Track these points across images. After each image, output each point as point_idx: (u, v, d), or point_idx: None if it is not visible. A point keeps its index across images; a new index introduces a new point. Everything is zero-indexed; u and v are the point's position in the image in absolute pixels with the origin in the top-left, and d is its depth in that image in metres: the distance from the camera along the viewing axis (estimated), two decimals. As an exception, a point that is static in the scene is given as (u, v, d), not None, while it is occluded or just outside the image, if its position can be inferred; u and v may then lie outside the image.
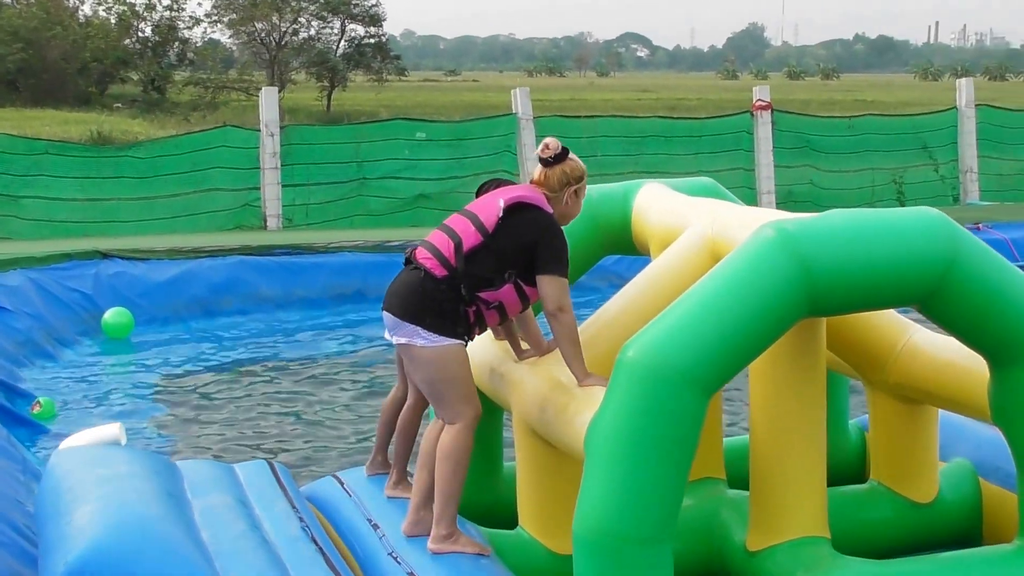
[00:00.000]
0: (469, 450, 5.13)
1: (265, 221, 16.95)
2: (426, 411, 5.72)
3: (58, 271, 12.94)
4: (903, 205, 19.94)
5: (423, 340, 5.01)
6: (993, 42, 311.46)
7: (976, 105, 20.56)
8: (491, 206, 5.14)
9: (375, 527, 5.54)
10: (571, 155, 5.29)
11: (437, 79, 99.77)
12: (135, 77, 49.33)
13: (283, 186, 17.05)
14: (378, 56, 52.47)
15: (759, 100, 19.43)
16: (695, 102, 65.18)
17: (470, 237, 5.08)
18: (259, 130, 17.09)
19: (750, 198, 19.25)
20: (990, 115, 20.83)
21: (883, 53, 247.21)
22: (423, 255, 5.10)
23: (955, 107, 20.61)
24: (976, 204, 19.94)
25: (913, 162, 20.26)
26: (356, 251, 14.13)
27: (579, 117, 19.44)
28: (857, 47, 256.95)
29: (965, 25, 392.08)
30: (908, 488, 6.03)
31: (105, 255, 13.42)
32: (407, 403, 5.77)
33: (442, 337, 5.02)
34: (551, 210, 5.17)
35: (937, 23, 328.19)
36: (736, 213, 5.74)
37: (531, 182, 5.27)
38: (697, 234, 5.75)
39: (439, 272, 5.03)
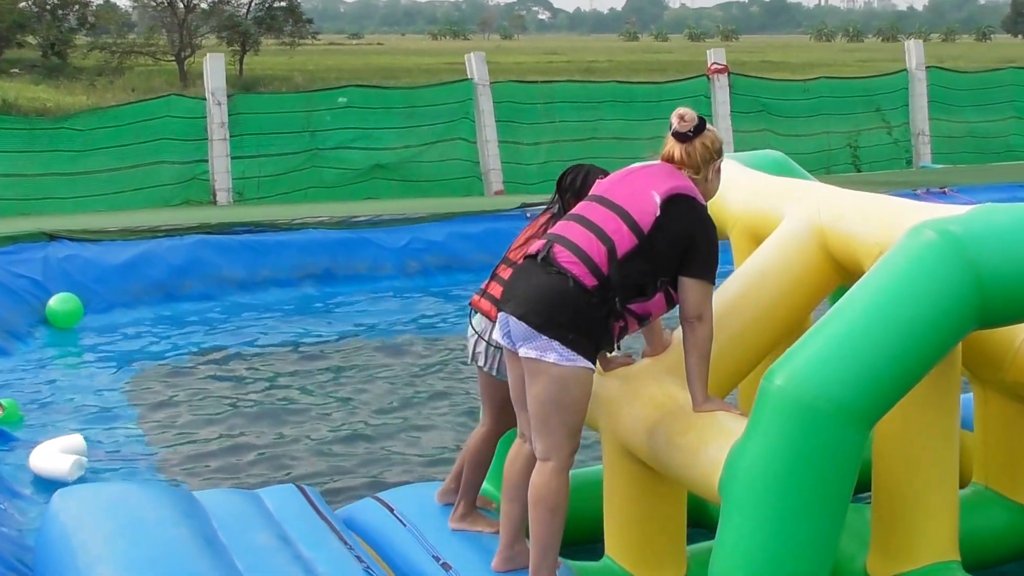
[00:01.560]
0: (567, 492, 4.55)
1: (215, 195, 16.08)
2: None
3: (2, 255, 11.97)
4: (858, 169, 19.70)
5: (556, 356, 4.39)
6: (880, 4, 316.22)
7: (927, 67, 20.35)
8: (643, 199, 4.47)
9: (445, 567, 4.93)
10: (708, 124, 4.68)
11: (341, 43, 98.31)
12: (33, 41, 47.52)
13: (232, 158, 16.19)
14: (290, 20, 51.20)
15: (715, 63, 18.99)
16: (606, 64, 65.08)
17: (624, 239, 4.42)
18: (205, 99, 16.20)
19: (707, 163, 18.85)
20: (939, 77, 20.63)
21: (777, 15, 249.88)
22: (567, 258, 4.43)
23: (906, 69, 20.37)
24: (930, 167, 19.73)
25: (867, 125, 20.00)
26: (322, 227, 13.39)
27: (536, 83, 18.80)
28: (753, 9, 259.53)
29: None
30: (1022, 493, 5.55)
31: (52, 237, 12.45)
32: (484, 428, 5.24)
33: (579, 356, 4.41)
34: (704, 201, 4.58)
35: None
36: (844, 199, 5.18)
37: (666, 160, 4.62)
38: (802, 224, 5.18)
39: (589, 281, 4.39)
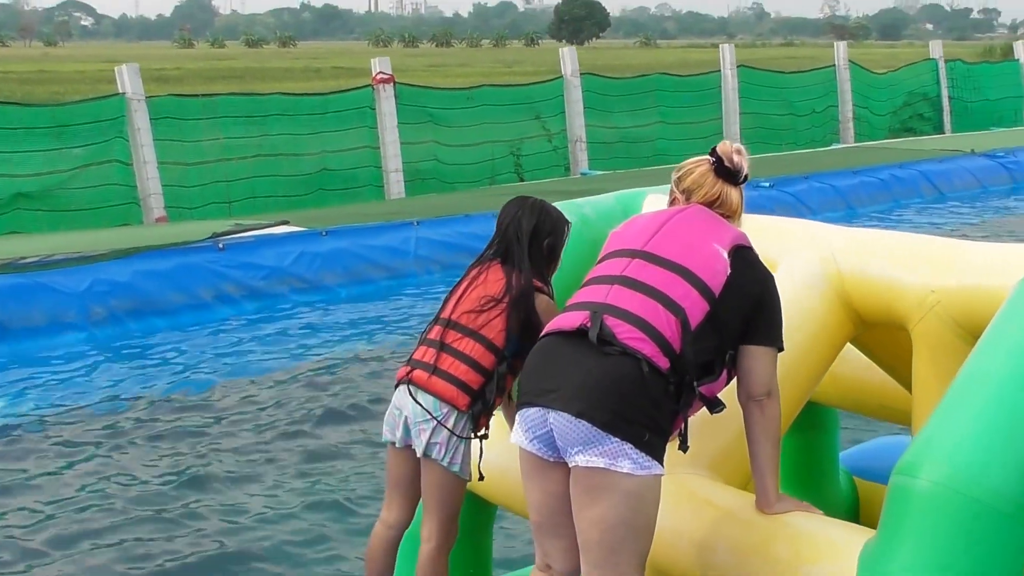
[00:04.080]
0: None
1: None
2: None
3: None
4: (522, 178, 19.27)
5: (631, 464, 3.44)
6: (428, 11, 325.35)
7: (581, 73, 20.21)
8: (707, 255, 3.64)
9: None
10: None
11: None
12: None
13: None
14: None
15: (380, 73, 17.93)
16: (175, 72, 62.33)
17: (696, 307, 3.57)
18: None
19: (377, 178, 17.82)
20: (594, 83, 20.56)
21: (330, 21, 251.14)
22: (631, 334, 3.49)
23: (562, 76, 20.14)
24: (590, 174, 19.62)
25: (529, 133, 19.60)
26: (-14, 273, 11.26)
27: (197, 96, 16.97)
28: (305, 15, 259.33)
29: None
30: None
31: None
32: (429, 545, 4.35)
33: (654, 462, 3.49)
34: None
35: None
36: (862, 239, 4.42)
37: (710, 204, 3.80)
38: (813, 271, 4.36)
39: (662, 363, 3.48)
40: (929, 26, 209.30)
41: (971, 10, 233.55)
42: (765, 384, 3.68)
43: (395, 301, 12.65)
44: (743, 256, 3.69)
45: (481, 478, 4.32)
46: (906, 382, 4.74)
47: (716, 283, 3.59)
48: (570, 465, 3.50)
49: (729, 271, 3.61)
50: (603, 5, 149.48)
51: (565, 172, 19.96)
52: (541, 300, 4.26)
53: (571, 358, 3.53)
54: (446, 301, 4.37)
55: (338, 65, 68.11)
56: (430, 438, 4.21)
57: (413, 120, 18.15)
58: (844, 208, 17.43)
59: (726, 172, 3.81)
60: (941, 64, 24.86)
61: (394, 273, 13.35)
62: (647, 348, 3.47)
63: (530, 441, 3.58)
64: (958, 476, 3.26)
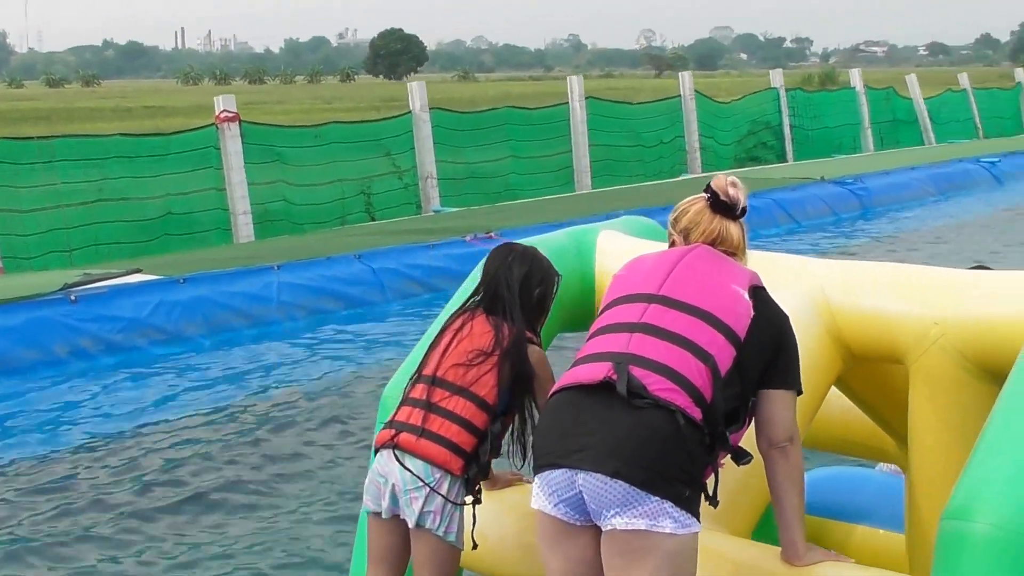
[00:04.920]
0: None
1: None
2: None
3: None
4: (373, 218, 18.64)
5: (672, 524, 3.28)
6: (237, 47, 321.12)
7: (431, 108, 19.67)
8: (729, 298, 3.49)
9: None
10: None
11: None
12: None
13: None
14: None
15: (224, 111, 17.06)
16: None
17: (724, 354, 3.41)
18: None
19: (224, 220, 16.94)
20: (442, 118, 20.03)
21: (135, 58, 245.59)
22: (662, 385, 3.32)
23: (411, 111, 19.57)
24: (443, 211, 19.07)
25: (378, 171, 18.95)
26: None
27: (30, 139, 15.82)
28: (108, 53, 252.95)
29: (210, 31, 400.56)
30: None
31: None
32: None
33: (693, 519, 3.34)
34: None
35: (183, 29, 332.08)
36: (851, 272, 4.30)
37: (712, 242, 3.66)
38: (801, 305, 4.14)
39: (696, 414, 3.33)
40: (744, 55, 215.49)
41: (784, 39, 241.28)
42: (788, 429, 3.54)
43: (260, 349, 11.87)
44: (762, 297, 3.56)
45: (475, 547, 4.02)
46: (884, 417, 4.65)
47: (741, 326, 3.45)
48: (605, 529, 3.33)
49: (752, 313, 3.48)
50: (420, 39, 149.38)
51: (417, 210, 19.39)
52: (533, 351, 4.03)
53: (598, 414, 3.34)
54: (427, 356, 4.07)
55: (149, 104, 66.14)
56: (423, 507, 3.89)
57: (260, 160, 17.32)
58: (705, 239, 17.27)
59: (723, 207, 3.66)
60: (782, 93, 25.14)
61: (257, 320, 12.58)
62: (680, 399, 3.31)
63: (555, 505, 3.38)
64: (1015, 517, 3.18)
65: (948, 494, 3.77)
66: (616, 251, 4.74)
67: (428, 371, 3.99)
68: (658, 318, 3.45)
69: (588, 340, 3.58)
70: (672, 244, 3.78)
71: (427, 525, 3.89)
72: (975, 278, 4.10)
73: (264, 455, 8.53)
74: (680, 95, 23.01)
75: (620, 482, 3.26)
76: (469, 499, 3.97)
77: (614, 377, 3.34)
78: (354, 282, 13.60)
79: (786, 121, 25.24)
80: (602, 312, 3.63)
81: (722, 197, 3.67)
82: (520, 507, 4.06)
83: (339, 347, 11.99)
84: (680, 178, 22.40)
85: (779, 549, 3.67)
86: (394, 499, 3.93)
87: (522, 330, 4.00)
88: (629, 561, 3.30)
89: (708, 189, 3.72)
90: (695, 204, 3.74)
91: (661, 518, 3.26)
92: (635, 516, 3.26)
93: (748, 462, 3.54)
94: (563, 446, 3.37)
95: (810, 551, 3.61)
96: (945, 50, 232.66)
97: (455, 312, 4.15)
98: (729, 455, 3.50)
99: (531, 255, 4.15)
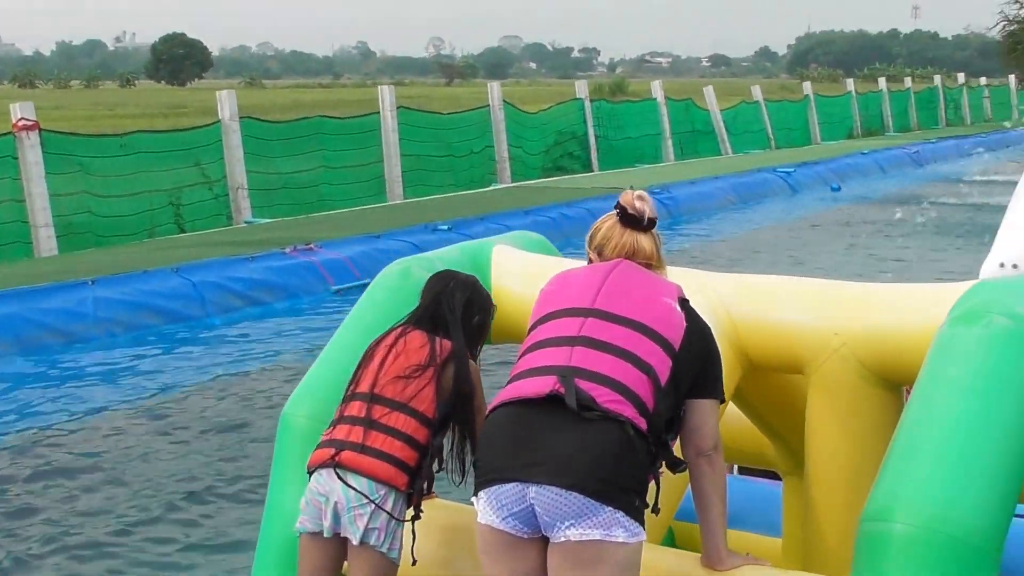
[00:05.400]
0: None
1: None
2: None
3: None
4: (183, 230, 18.13)
5: (625, 533, 3.33)
6: (4, 49, 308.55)
7: (240, 118, 19.22)
8: (662, 310, 3.54)
9: None
10: None
11: None
12: None
13: None
14: None
15: (23, 119, 16.30)
16: None
17: (662, 363, 3.47)
18: None
19: (24, 234, 16.19)
20: (252, 128, 19.60)
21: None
22: (609, 396, 3.36)
23: (220, 120, 19.08)
24: (255, 222, 18.67)
25: (188, 181, 18.42)
26: None
27: None
28: None
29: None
30: None
31: None
32: None
33: (640, 527, 3.39)
34: None
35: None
36: (750, 285, 4.39)
37: (629, 256, 3.69)
38: (705, 319, 4.02)
39: (641, 424, 3.38)
40: (533, 64, 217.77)
41: (572, 49, 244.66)
42: (713, 438, 3.61)
43: (73, 368, 11.35)
44: (689, 309, 3.63)
45: (414, 562, 3.97)
46: (772, 425, 4.80)
47: (676, 337, 3.51)
48: (556, 540, 3.35)
49: (685, 324, 3.54)
50: (204, 44, 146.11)
51: (228, 221, 18.96)
52: (473, 368, 4.03)
53: (547, 427, 3.36)
54: (360, 374, 3.99)
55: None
56: (368, 524, 3.84)
57: (62, 170, 16.62)
58: (521, 249, 17.36)
59: (631, 220, 3.71)
60: (587, 104, 25.46)
61: (73, 337, 12.05)
62: (627, 410, 3.36)
63: (503, 519, 3.39)
64: (933, 516, 3.29)
65: (847, 497, 4.08)
66: (510, 266, 4.76)
67: (364, 388, 3.94)
68: (597, 331, 3.48)
69: (523, 355, 3.59)
70: (590, 262, 3.81)
71: (371, 542, 3.85)
72: (872, 291, 4.22)
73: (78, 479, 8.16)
74: (489, 105, 23.07)
75: (575, 494, 3.29)
76: (410, 514, 3.95)
77: (561, 391, 3.37)
78: (173, 296, 13.18)
79: (591, 132, 25.59)
80: (534, 328, 3.63)
81: (629, 211, 3.71)
82: (456, 522, 4.09)
83: (163, 361, 11.58)
84: (491, 188, 22.47)
85: (698, 556, 3.75)
86: (336, 518, 3.87)
87: (463, 344, 4.00)
88: (582, 571, 3.33)
89: (617, 205, 3.75)
90: (607, 221, 3.78)
91: (614, 528, 3.31)
92: (589, 527, 3.31)
93: (683, 470, 3.60)
94: (513, 461, 3.38)
95: (730, 556, 3.70)
96: (727, 61, 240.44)
97: (386, 333, 4.09)
98: (665, 464, 3.54)
99: (472, 283, 4.14)
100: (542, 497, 3.33)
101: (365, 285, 4.74)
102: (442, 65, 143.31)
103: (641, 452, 3.37)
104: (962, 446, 3.41)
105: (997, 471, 3.37)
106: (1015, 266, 11.86)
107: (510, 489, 3.37)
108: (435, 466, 3.96)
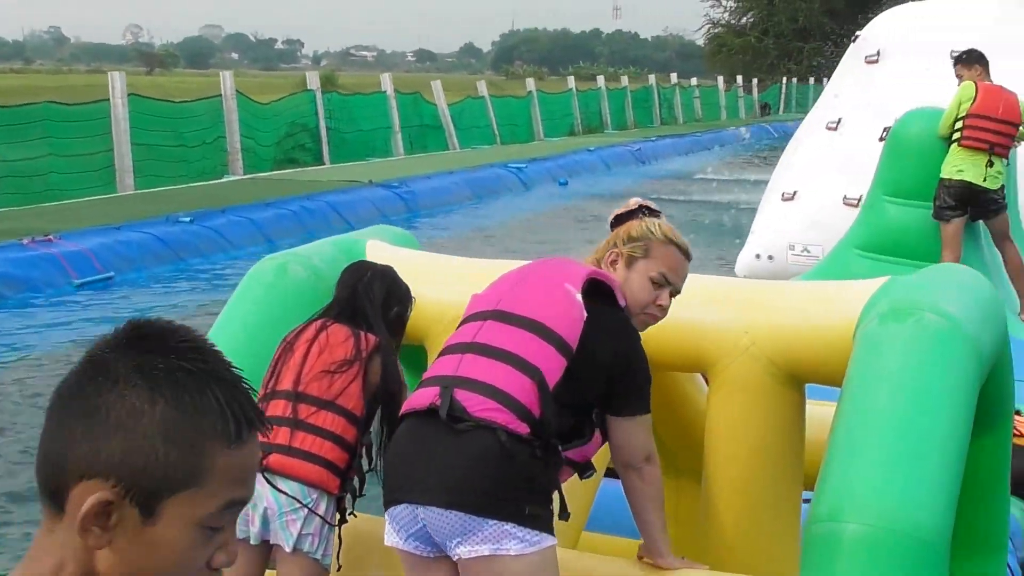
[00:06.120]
0: None
1: None
2: None
3: None
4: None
5: (518, 544, 3.20)
6: None
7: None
8: (560, 301, 3.40)
9: None
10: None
11: None
12: None
13: None
14: None
15: None
16: None
17: (552, 363, 3.32)
18: None
19: None
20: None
21: None
22: (483, 405, 3.24)
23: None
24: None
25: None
26: None
27: None
28: None
29: None
30: None
31: None
32: None
33: (543, 534, 3.26)
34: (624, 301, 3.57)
35: None
36: None
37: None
38: None
39: (522, 429, 3.24)
40: (235, 55, 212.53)
41: (276, 40, 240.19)
42: (641, 450, 3.50)
43: None
44: (601, 309, 3.44)
45: (339, 568, 3.89)
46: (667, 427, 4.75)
47: (572, 335, 3.35)
48: (453, 558, 3.27)
49: (585, 315, 3.37)
50: None
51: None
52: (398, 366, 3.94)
53: (426, 443, 3.27)
54: (278, 371, 3.81)
55: None
56: (301, 529, 3.70)
57: None
58: (264, 242, 16.97)
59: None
60: (318, 95, 25.24)
61: None
62: (501, 416, 3.22)
63: (405, 540, 3.31)
64: (885, 514, 3.32)
65: (747, 497, 4.07)
66: (385, 261, 4.69)
67: (287, 385, 3.76)
68: (490, 336, 3.38)
69: (432, 364, 3.55)
70: None
71: (305, 548, 3.71)
72: (781, 289, 4.34)
73: None
74: (221, 94, 22.60)
75: (455, 512, 3.20)
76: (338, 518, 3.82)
77: (437, 403, 3.28)
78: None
79: (322, 123, 25.42)
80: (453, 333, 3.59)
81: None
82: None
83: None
84: (223, 179, 22.01)
85: (635, 560, 3.76)
86: (265, 523, 3.71)
87: (388, 339, 3.86)
88: None
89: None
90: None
91: (504, 540, 3.20)
92: (477, 543, 3.20)
93: (591, 475, 3.55)
94: (404, 480, 3.31)
95: (675, 557, 3.69)
96: (432, 57, 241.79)
97: (301, 326, 3.90)
98: (574, 469, 3.47)
99: (391, 275, 4.00)
100: (429, 517, 3.25)
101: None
102: (141, 53, 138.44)
103: (522, 457, 3.22)
104: (907, 444, 3.45)
105: (942, 468, 3.43)
106: (770, 257, 12.60)
107: (402, 511, 3.30)
108: (365, 465, 3.83)
